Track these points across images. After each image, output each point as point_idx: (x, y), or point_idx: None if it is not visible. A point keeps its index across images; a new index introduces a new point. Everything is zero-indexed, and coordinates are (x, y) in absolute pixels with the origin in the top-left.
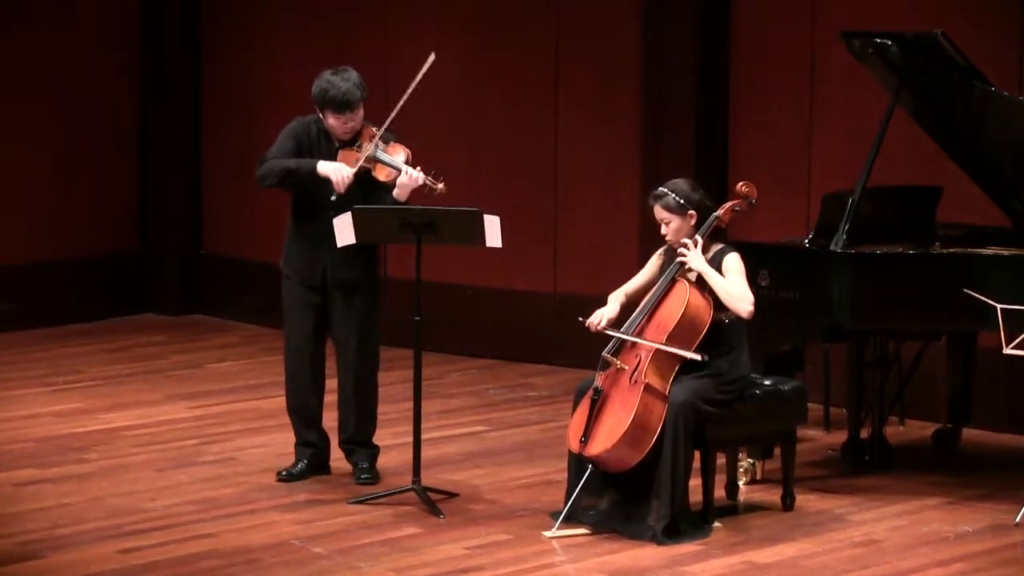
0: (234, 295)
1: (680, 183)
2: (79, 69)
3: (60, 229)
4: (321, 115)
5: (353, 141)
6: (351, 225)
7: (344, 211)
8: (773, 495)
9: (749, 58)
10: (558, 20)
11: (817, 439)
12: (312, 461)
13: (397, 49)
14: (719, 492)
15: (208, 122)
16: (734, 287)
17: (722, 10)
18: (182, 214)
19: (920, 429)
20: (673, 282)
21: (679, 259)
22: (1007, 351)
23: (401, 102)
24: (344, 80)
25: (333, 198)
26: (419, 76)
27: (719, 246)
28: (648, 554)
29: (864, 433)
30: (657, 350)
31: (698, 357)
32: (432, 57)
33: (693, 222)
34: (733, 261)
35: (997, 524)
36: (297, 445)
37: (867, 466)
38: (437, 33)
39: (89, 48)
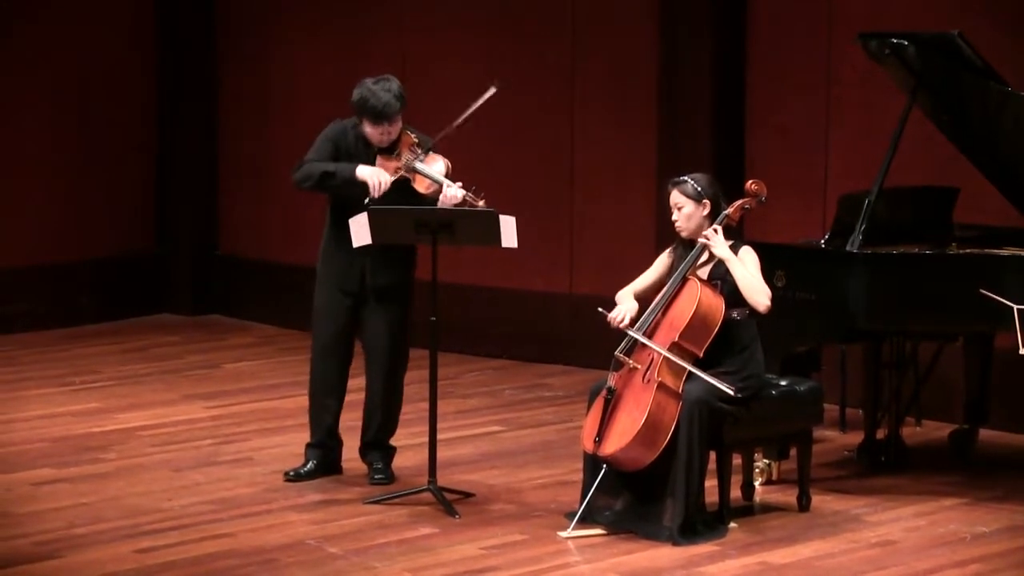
0: (250, 295)
1: (700, 175)
2: (95, 70)
3: (76, 230)
4: (359, 121)
5: (392, 148)
6: (367, 226)
7: None
8: (789, 496)
9: (766, 59)
10: (574, 20)
11: (833, 440)
12: (322, 462)
13: (412, 52)
14: (735, 492)
15: (224, 123)
16: (755, 279)
17: (738, 11)
18: (198, 214)
19: (937, 430)
20: (684, 280)
21: (701, 241)
22: None
23: (455, 125)
24: (385, 91)
25: (367, 200)
26: (475, 106)
27: (730, 242)
28: (664, 554)
29: (880, 434)
30: (672, 346)
31: (730, 391)
32: (493, 90)
33: (705, 212)
34: (749, 255)
35: (1014, 525)
36: (309, 445)
37: (883, 467)
38: (452, 34)
39: (105, 49)
